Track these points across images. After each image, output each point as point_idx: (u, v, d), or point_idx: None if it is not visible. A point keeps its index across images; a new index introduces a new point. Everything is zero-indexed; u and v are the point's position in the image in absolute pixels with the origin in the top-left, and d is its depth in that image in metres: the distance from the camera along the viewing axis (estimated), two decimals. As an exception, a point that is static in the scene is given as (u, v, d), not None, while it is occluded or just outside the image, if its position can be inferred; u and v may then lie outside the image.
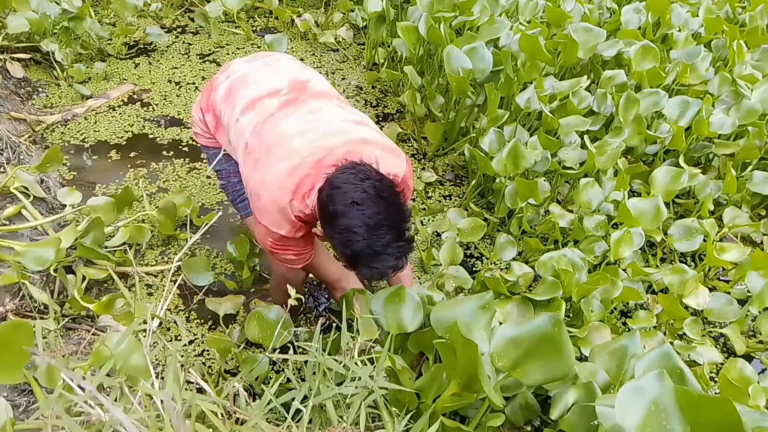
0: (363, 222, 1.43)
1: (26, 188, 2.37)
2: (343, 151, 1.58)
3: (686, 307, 2.29)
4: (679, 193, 2.66)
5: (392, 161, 1.68)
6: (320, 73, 3.66)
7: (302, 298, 1.53)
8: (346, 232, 1.45)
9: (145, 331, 1.35)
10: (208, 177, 2.83)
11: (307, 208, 1.58)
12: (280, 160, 1.60)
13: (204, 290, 2.25)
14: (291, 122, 1.66)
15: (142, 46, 3.73)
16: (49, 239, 2.06)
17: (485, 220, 2.62)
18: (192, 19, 4.02)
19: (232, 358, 2.00)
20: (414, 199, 2.85)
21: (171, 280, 2.10)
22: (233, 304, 2.19)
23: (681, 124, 2.78)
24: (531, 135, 2.73)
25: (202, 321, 2.26)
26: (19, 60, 3.30)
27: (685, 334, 2.26)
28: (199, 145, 2.10)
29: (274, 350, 1.60)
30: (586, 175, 2.58)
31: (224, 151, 1.94)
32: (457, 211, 2.71)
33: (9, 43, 3.23)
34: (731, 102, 2.93)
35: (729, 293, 2.38)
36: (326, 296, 2.39)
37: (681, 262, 2.64)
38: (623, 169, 2.60)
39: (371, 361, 1.44)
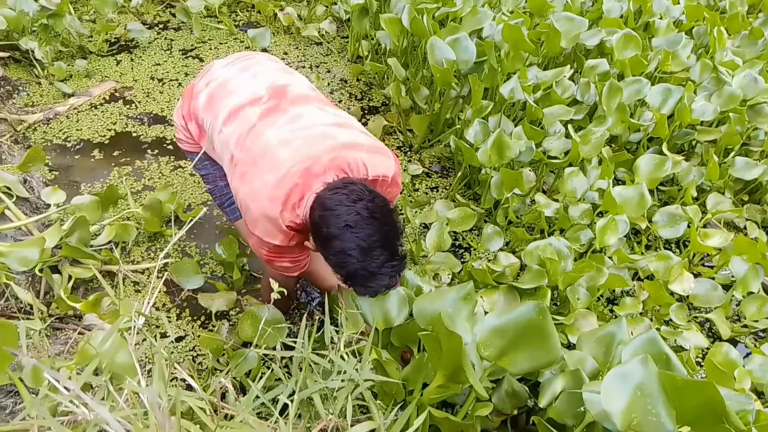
0: (357, 245, 1.44)
1: (9, 188, 2.35)
2: (328, 158, 1.58)
3: (672, 293, 2.31)
4: (663, 180, 2.69)
5: (380, 162, 1.68)
6: (304, 67, 3.68)
7: (284, 291, 1.53)
8: (341, 255, 1.46)
9: (131, 328, 1.34)
10: (192, 174, 2.82)
11: (298, 217, 1.58)
12: (267, 172, 1.59)
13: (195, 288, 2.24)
14: (274, 132, 1.65)
15: (123, 43, 3.69)
16: (34, 239, 2.05)
17: (472, 210, 2.62)
18: (174, 15, 3.99)
19: (223, 354, 2.00)
20: (401, 192, 2.85)
21: (157, 277, 2.08)
22: (226, 300, 2.18)
23: (664, 111, 2.80)
24: (515, 125, 2.74)
25: (195, 318, 2.25)
26: (-3, 59, 3.26)
27: (671, 319, 2.29)
28: (182, 148, 2.08)
29: (259, 346, 1.60)
30: (570, 165, 2.60)
31: (204, 152, 1.92)
32: (444, 202, 2.71)
33: (-13, 41, 3.20)
34: (713, 89, 2.96)
35: (713, 279, 2.41)
36: (319, 291, 2.39)
37: (666, 248, 2.67)
38: (607, 158, 2.62)
39: (358, 353, 1.44)
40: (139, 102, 3.25)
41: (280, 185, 1.56)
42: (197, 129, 1.91)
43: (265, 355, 1.83)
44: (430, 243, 2.42)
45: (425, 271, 2.34)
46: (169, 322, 2.21)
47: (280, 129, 1.65)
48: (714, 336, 2.42)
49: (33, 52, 3.26)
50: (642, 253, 2.56)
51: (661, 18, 3.36)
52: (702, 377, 2.11)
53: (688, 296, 2.33)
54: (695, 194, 2.70)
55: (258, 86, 1.78)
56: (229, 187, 2.02)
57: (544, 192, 2.81)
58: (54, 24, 3.37)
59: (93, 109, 3.18)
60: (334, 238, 1.45)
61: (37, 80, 3.32)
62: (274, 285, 1.51)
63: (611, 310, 2.42)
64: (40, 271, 2.07)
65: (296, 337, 1.45)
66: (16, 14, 3.17)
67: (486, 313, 1.54)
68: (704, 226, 2.64)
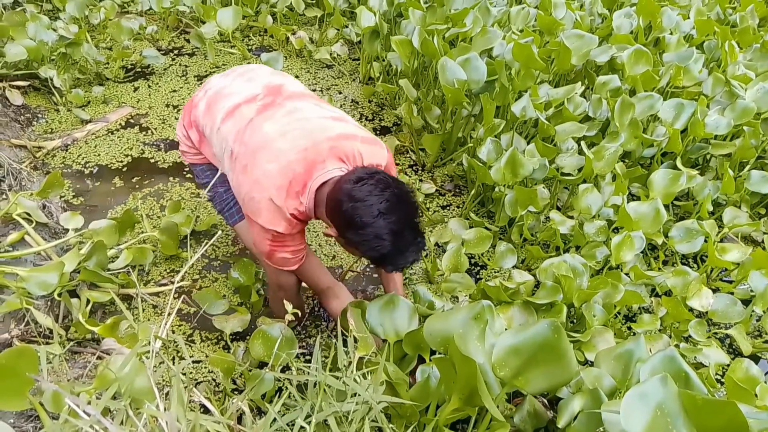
0: (390, 230, 1.53)
1: (28, 214, 2.39)
2: (327, 147, 1.67)
3: (690, 309, 2.28)
4: (678, 195, 2.67)
5: (375, 152, 1.77)
6: (316, 89, 3.73)
7: (298, 312, 1.55)
8: (375, 240, 1.54)
9: (149, 352, 1.36)
10: (209, 202, 2.85)
11: (302, 205, 1.66)
12: (268, 162, 1.66)
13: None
14: (271, 125, 1.73)
15: (139, 70, 3.76)
16: (53, 264, 2.07)
17: (487, 228, 2.63)
18: (188, 41, 4.06)
19: (241, 376, 2.00)
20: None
21: (174, 298, 2.10)
22: (240, 321, 2.17)
23: (677, 126, 2.79)
24: (528, 143, 2.74)
25: (212, 340, 2.26)
26: (18, 87, 3.33)
27: (690, 336, 2.26)
28: (186, 162, 2.15)
29: (282, 369, 1.60)
30: (584, 181, 2.59)
31: (207, 163, 2.01)
32: (458, 220, 2.71)
33: (8, 71, 3.27)
34: (726, 102, 2.95)
35: (732, 294, 2.38)
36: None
37: (683, 263, 2.65)
38: (621, 174, 2.61)
39: (370, 373, 1.45)
40: (155, 128, 3.30)
41: (282, 174, 1.63)
42: (198, 136, 1.98)
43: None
44: (446, 264, 2.42)
45: (441, 291, 2.34)
46: (190, 344, 2.22)
47: (277, 122, 1.74)
48: (734, 352, 2.38)
49: (52, 80, 3.33)
50: (659, 269, 2.54)
51: (671, 33, 3.36)
52: (723, 395, 2.07)
53: (707, 312, 2.30)
54: (711, 209, 2.68)
55: (254, 87, 1.87)
56: (229, 192, 2.06)
57: (558, 209, 2.80)
58: (72, 52, 3.44)
59: (110, 134, 3.23)
60: (368, 226, 1.52)
61: (56, 107, 3.39)
62: (288, 306, 1.53)
63: (629, 327, 2.39)
64: (59, 295, 2.09)
65: (310, 356, 1.46)
66: (36, 44, 3.25)
67: (505, 329, 1.53)
68: (721, 241, 2.62)
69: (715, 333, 2.38)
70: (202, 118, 1.92)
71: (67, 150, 3.10)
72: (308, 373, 1.41)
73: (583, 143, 2.64)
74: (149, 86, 3.61)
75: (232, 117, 1.80)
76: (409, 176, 3.12)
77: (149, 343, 1.34)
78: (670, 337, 2.29)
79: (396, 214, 1.54)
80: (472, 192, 2.80)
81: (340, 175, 1.62)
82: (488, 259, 2.65)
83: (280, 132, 1.70)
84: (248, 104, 1.81)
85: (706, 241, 2.46)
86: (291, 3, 4.19)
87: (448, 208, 2.97)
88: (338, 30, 4.11)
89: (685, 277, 2.31)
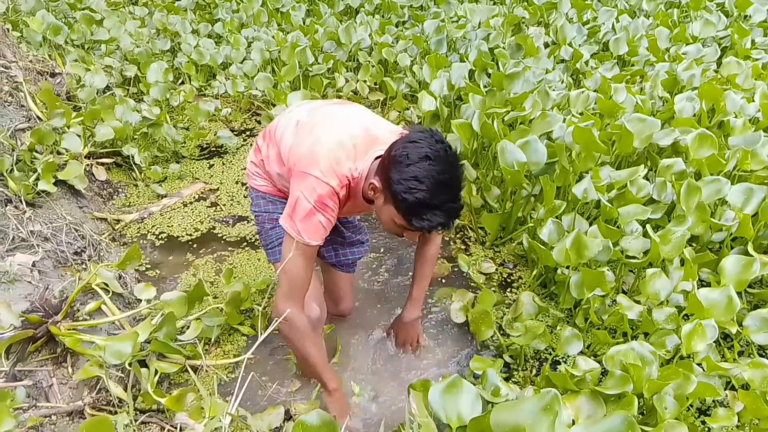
0: (431, 175, 1.59)
1: (106, 284, 2.51)
2: (387, 132, 1.88)
3: (771, 405, 2.14)
4: (752, 282, 2.56)
5: None
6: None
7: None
8: (413, 181, 1.60)
9: (219, 428, 1.38)
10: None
11: (356, 170, 1.79)
12: (334, 128, 1.83)
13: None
14: (340, 108, 1.98)
15: (213, 148, 4.00)
16: (127, 333, 2.16)
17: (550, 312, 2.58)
18: (259, 122, 4.31)
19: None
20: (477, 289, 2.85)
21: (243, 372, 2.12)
22: (276, 416, 2.12)
23: (747, 211, 2.71)
24: (590, 224, 2.72)
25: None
26: (102, 164, 3.58)
27: (773, 435, 2.11)
28: (249, 190, 2.25)
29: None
30: (651, 265, 2.53)
31: (261, 194, 2.14)
32: (530, 294, 2.62)
33: (95, 149, 3.53)
34: (799, 187, 2.86)
35: (818, 390, 2.23)
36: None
37: (760, 355, 2.51)
38: (690, 259, 2.54)
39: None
40: (224, 204, 3.46)
41: (347, 136, 1.80)
42: (268, 139, 2.08)
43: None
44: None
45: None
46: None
47: (345, 108, 1.98)
48: (824, 455, 2.20)
49: (133, 157, 3.58)
50: (734, 360, 2.41)
51: (736, 116, 3.33)
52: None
53: (790, 409, 2.15)
54: (788, 298, 2.55)
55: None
56: (275, 230, 2.11)
57: (624, 292, 2.73)
58: (153, 132, 3.71)
59: (183, 207, 3.41)
60: (413, 164, 1.60)
61: (135, 182, 3.62)
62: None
63: (703, 422, 2.26)
64: (129, 364, 2.16)
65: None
66: (122, 125, 3.52)
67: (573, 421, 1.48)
68: (802, 332, 2.47)
69: (801, 433, 2.22)
70: (277, 120, 2.07)
71: (142, 222, 3.28)
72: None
73: (648, 226, 2.60)
74: (223, 164, 3.83)
75: (307, 104, 2.04)
76: (470, 254, 3.13)
77: (220, 419, 1.37)
78: (751, 434, 2.15)
79: (441, 166, 1.60)
80: (534, 272, 2.78)
81: None
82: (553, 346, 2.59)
83: (347, 112, 1.94)
84: (323, 103, 2.06)
85: (785, 331, 2.34)
86: (356, 87, 4.41)
87: (509, 287, 2.94)
88: (400, 112, 4.27)
89: (764, 370, 2.18)
